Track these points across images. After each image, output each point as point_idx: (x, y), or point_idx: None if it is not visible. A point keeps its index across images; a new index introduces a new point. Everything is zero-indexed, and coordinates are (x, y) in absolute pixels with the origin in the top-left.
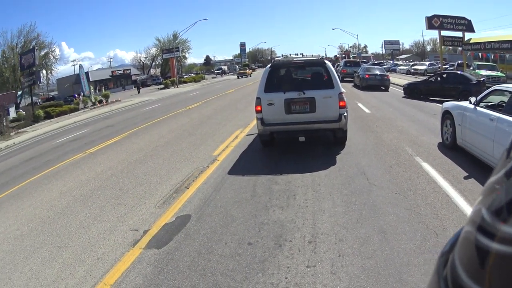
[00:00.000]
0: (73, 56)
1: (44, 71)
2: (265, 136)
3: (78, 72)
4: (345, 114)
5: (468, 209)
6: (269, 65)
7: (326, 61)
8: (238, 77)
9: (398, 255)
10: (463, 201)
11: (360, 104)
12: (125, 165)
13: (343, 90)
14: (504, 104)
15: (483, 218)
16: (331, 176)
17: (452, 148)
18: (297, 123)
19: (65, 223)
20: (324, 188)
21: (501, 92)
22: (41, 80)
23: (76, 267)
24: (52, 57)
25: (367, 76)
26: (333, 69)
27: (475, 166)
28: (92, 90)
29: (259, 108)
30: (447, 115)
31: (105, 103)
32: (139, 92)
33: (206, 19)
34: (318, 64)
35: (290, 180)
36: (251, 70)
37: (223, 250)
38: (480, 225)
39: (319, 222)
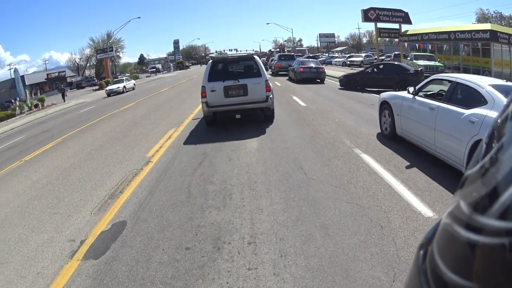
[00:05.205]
0: (9, 59)
1: None
2: (209, 116)
3: (14, 76)
4: (271, 96)
5: (412, 199)
6: (211, 61)
7: (255, 56)
8: None
9: (343, 251)
10: (406, 191)
11: (295, 98)
12: (60, 172)
13: (268, 77)
14: (444, 93)
15: (461, 210)
16: (268, 172)
17: (391, 138)
18: (234, 104)
19: (4, 237)
20: (261, 186)
21: (441, 81)
22: None
23: (18, 284)
24: None
25: (302, 69)
26: (261, 62)
27: (416, 155)
28: (28, 95)
29: (204, 94)
30: (385, 105)
31: (40, 107)
32: (64, 99)
33: (139, 17)
34: (249, 58)
35: (225, 179)
36: None
37: (161, 257)
38: (459, 217)
39: (257, 221)
